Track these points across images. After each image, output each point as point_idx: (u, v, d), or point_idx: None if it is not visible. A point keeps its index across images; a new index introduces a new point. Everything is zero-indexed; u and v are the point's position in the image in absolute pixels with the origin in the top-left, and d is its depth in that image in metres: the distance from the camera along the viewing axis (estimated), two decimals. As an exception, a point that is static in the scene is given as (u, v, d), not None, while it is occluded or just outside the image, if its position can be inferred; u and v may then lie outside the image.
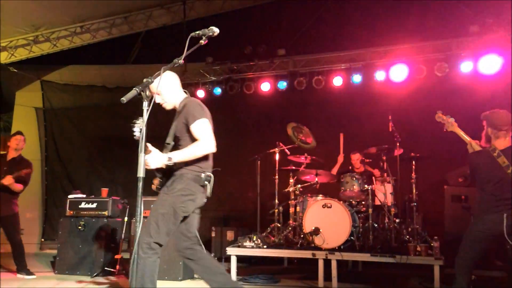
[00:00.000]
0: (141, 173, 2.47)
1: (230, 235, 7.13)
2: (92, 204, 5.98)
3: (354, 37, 8.04)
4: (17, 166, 5.48)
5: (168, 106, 3.32)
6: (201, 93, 8.73)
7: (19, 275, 5.43)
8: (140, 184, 2.45)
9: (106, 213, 5.90)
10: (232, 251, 5.42)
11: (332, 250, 5.10)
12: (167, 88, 3.27)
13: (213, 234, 7.24)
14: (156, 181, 3.18)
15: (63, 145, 9.45)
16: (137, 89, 2.52)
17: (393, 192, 5.77)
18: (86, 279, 5.36)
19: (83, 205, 6.00)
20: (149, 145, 2.92)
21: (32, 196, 8.51)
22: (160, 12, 9.03)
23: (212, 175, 3.18)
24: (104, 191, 6.21)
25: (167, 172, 3.12)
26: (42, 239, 8.98)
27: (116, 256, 5.63)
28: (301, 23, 8.59)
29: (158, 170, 3.08)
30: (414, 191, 5.67)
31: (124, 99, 2.46)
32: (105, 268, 5.60)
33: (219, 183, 8.40)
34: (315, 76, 8.07)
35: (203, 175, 3.12)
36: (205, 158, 3.17)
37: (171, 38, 9.50)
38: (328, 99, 7.99)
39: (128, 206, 5.97)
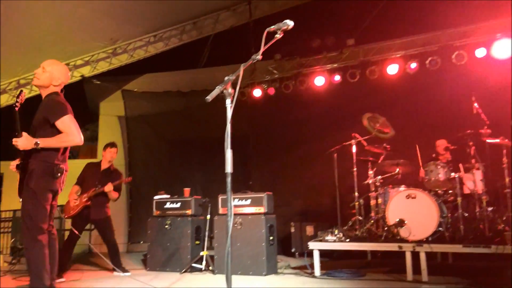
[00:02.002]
0: (228, 169, 2.52)
1: (309, 230, 7.10)
2: (176, 204, 6.24)
3: (428, 19, 7.66)
4: (110, 176, 5.84)
5: (38, 81, 3.58)
6: (271, 90, 8.79)
7: (115, 273, 5.78)
8: (229, 180, 2.51)
9: (189, 212, 6.12)
10: (315, 246, 5.38)
11: (420, 242, 4.89)
12: (56, 78, 3.58)
13: (292, 230, 7.26)
14: (16, 162, 3.48)
15: (144, 150, 9.96)
16: (220, 87, 2.58)
17: (483, 179, 5.41)
18: (176, 276, 5.59)
19: (168, 205, 6.27)
20: (24, 133, 3.33)
21: (117, 200, 9.04)
22: (227, 14, 9.22)
23: (64, 168, 3.50)
24: (186, 191, 6.43)
25: (27, 157, 3.42)
26: (128, 242, 9.51)
27: (202, 253, 5.82)
28: (369, 9, 8.34)
29: (21, 152, 3.39)
30: (506, 177, 5.28)
31: (209, 97, 2.52)
32: (192, 265, 5.80)
33: (296, 178, 8.50)
34: (388, 64, 7.82)
35: (55, 168, 3.43)
36: (60, 152, 3.48)
37: (238, 39, 9.67)
38: (404, 85, 7.70)
39: (209, 205, 6.14)
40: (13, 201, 3.81)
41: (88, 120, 13.86)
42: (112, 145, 6.04)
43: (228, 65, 9.27)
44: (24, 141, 3.31)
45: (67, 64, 9.10)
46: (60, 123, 3.40)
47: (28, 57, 8.43)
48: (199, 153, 9.30)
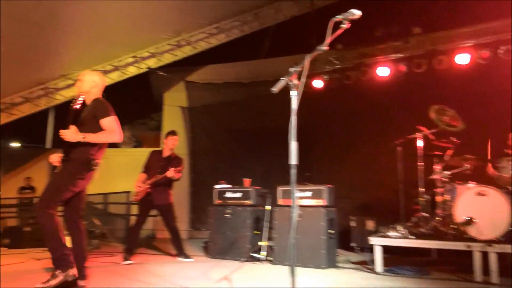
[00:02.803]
0: (293, 161, 2.51)
1: (370, 224, 6.93)
2: (237, 193, 6.34)
3: (502, 5, 7.15)
4: (172, 163, 6.01)
5: (80, 91, 4.02)
6: (331, 81, 8.63)
7: (179, 259, 6.00)
8: (293, 172, 2.50)
9: (249, 202, 6.19)
10: (377, 241, 5.26)
11: (490, 242, 4.63)
12: (91, 82, 4.04)
13: (352, 224, 7.13)
14: (58, 156, 3.85)
15: (206, 140, 10.19)
16: (285, 79, 2.57)
17: None
18: (236, 264, 5.69)
19: (228, 195, 6.39)
20: (72, 126, 3.72)
21: (180, 188, 9.31)
22: (288, 4, 9.17)
23: (99, 163, 3.90)
24: (247, 181, 6.51)
25: (70, 149, 3.80)
26: (191, 229, 9.82)
27: (261, 243, 5.88)
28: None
29: (66, 143, 3.75)
30: None
31: (275, 89, 2.53)
32: (251, 254, 5.88)
33: (356, 171, 8.34)
34: (458, 53, 7.41)
35: (93, 161, 3.85)
36: (99, 148, 3.91)
37: (300, 29, 9.59)
38: (474, 76, 7.26)
39: (269, 195, 6.18)
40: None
41: (153, 110, 14.43)
42: (173, 133, 6.25)
43: (289, 56, 9.21)
44: (72, 134, 3.72)
45: (135, 56, 9.49)
46: (106, 121, 3.83)
47: (99, 49, 8.88)
48: (258, 144, 9.36)
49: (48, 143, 13.92)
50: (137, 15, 8.06)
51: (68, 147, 3.81)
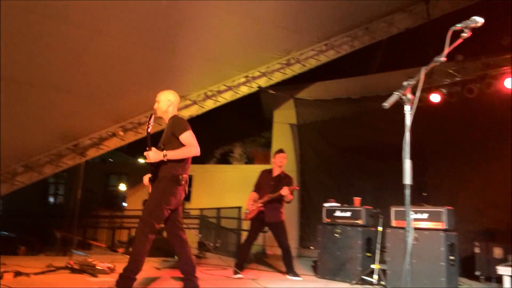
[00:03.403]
0: (408, 180, 2.35)
1: (498, 252, 6.24)
2: (346, 212, 6.16)
3: None
4: (282, 182, 6.05)
5: (159, 112, 4.28)
6: (450, 95, 8.02)
7: (288, 276, 5.98)
8: (408, 192, 2.34)
9: (360, 221, 5.96)
10: (506, 271, 4.70)
11: None
12: (167, 101, 4.24)
13: (476, 250, 6.48)
14: (147, 176, 4.10)
15: (315, 157, 10.12)
16: (398, 93, 2.44)
17: None
18: (346, 286, 5.50)
19: (338, 213, 6.23)
20: (153, 148, 3.93)
21: (289, 205, 9.29)
22: (402, 16, 8.82)
23: (188, 177, 4.11)
24: (357, 200, 6.29)
25: (156, 169, 4.02)
26: (299, 247, 9.74)
27: (373, 266, 5.60)
28: None
29: (152, 164, 3.96)
30: None
31: (386, 104, 2.41)
32: (363, 277, 5.63)
33: (480, 192, 7.59)
34: None
35: (180, 176, 3.99)
36: (184, 163, 4.05)
37: (413, 41, 9.15)
38: None
39: (381, 216, 5.89)
40: (200, 201, 4.31)
41: (263, 128, 14.83)
42: (280, 151, 6.33)
43: (402, 70, 8.81)
44: (154, 154, 3.90)
45: (246, 76, 9.85)
46: (184, 137, 3.98)
47: (213, 70, 9.38)
48: (369, 161, 9.03)
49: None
50: (248, 36, 8.38)
51: (154, 167, 4.02)
